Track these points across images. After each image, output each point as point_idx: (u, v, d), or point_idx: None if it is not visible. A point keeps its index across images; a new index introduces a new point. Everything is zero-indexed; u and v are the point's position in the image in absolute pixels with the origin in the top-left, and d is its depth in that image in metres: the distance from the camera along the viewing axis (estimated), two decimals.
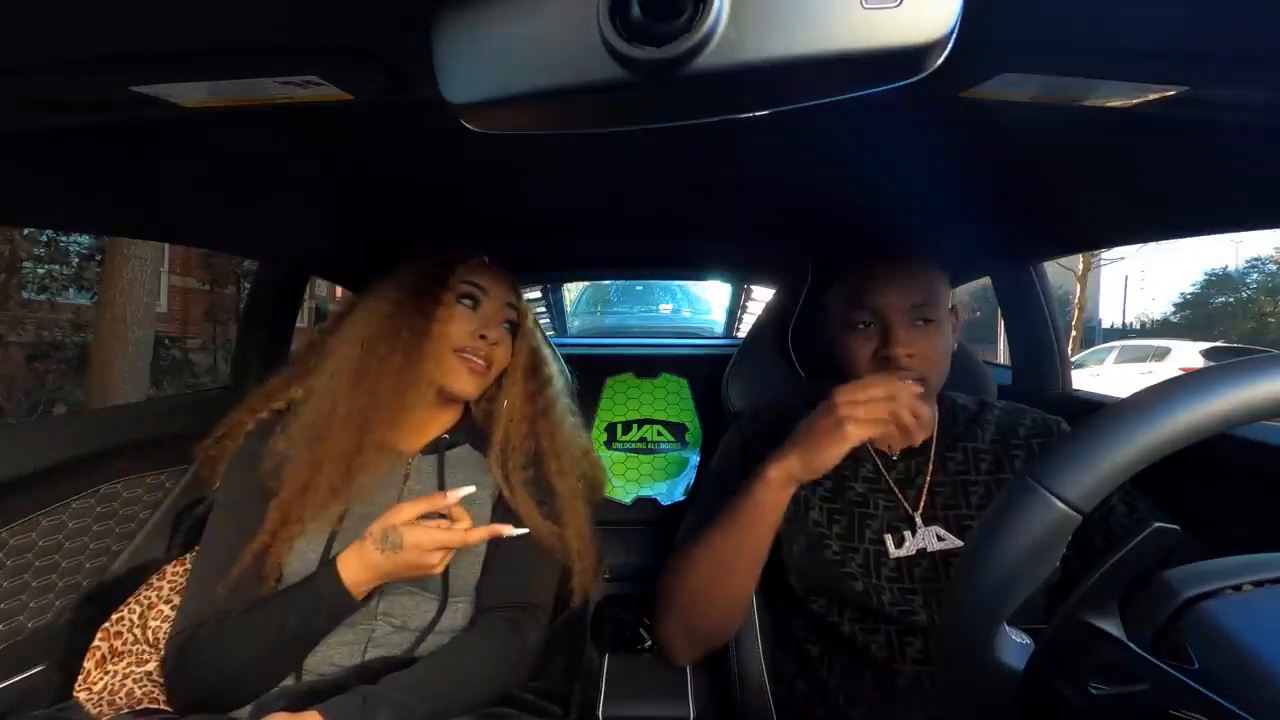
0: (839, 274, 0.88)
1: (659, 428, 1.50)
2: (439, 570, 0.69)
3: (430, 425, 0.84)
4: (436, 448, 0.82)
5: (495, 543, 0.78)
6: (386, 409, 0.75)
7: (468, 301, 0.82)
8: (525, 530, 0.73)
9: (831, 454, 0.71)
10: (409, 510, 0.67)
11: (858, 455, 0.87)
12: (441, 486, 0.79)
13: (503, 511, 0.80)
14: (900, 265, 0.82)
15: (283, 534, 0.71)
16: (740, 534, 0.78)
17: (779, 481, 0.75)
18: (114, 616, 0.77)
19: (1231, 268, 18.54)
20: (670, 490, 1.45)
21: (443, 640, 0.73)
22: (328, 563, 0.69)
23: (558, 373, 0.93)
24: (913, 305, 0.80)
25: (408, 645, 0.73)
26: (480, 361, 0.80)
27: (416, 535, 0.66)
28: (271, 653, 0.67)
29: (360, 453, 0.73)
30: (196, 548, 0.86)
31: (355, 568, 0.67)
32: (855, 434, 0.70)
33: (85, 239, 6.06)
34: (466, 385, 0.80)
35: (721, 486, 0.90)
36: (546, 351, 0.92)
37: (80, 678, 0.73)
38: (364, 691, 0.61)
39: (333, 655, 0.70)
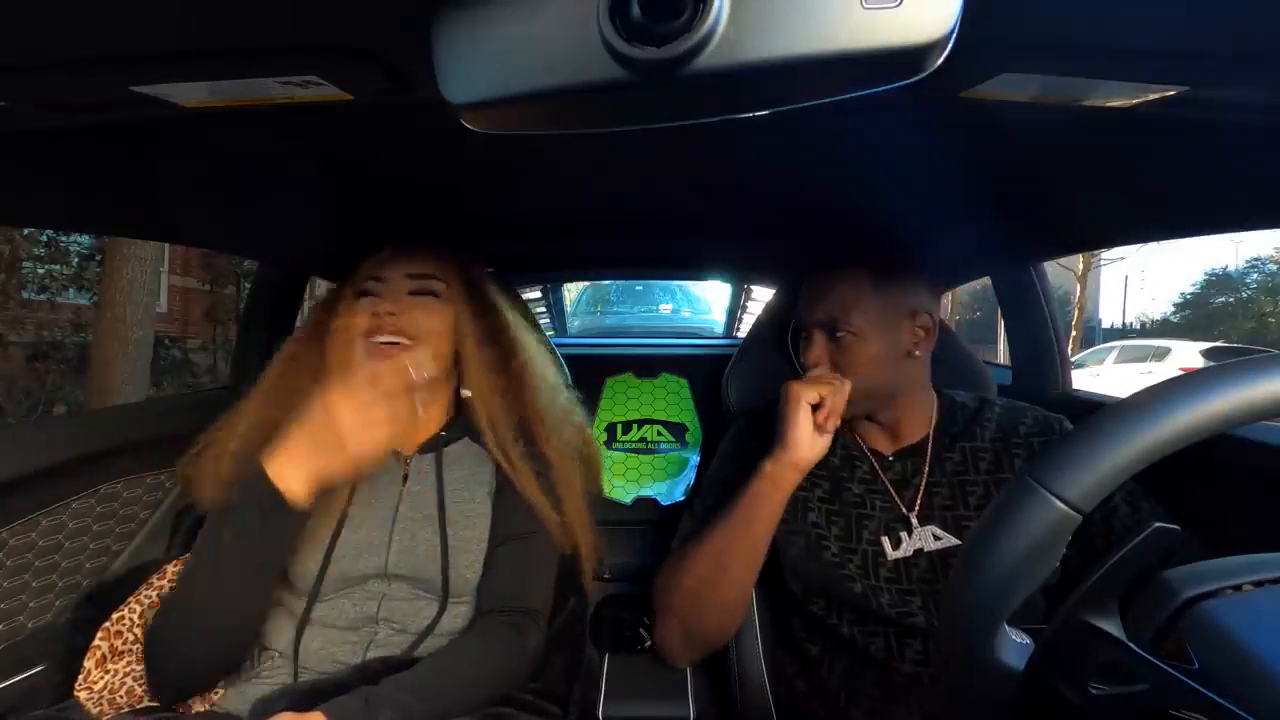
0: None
1: (659, 428, 1.50)
2: (366, 446, 0.63)
3: (424, 424, 0.83)
4: (434, 445, 0.82)
5: (496, 543, 0.78)
6: None
7: (366, 296, 0.79)
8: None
9: (795, 422, 0.76)
10: None
11: (854, 456, 0.87)
12: (440, 484, 0.79)
13: (507, 490, 0.80)
14: (820, 280, 0.87)
15: None
16: (735, 531, 0.78)
17: (770, 474, 0.77)
18: (114, 616, 0.77)
19: (1231, 268, 18.58)
20: (670, 490, 1.44)
21: (441, 642, 0.73)
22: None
23: (531, 341, 0.89)
24: (820, 320, 0.85)
25: (407, 646, 0.73)
26: (384, 344, 0.75)
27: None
28: (217, 579, 0.63)
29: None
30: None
31: (278, 460, 0.63)
32: (802, 392, 0.77)
33: (85, 239, 6.05)
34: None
35: (719, 488, 0.90)
36: (509, 318, 0.88)
37: (80, 677, 0.73)
38: (366, 692, 0.61)
39: (335, 653, 0.70)
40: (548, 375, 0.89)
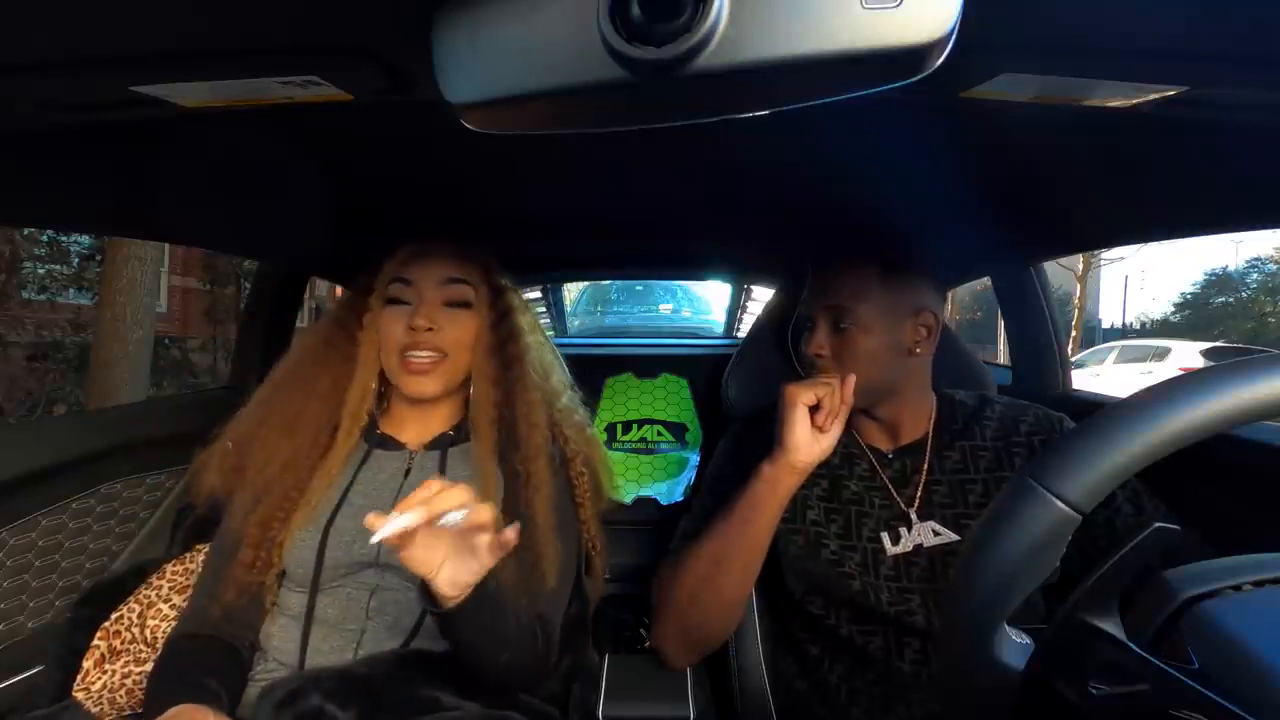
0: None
1: (659, 428, 1.50)
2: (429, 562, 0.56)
3: (433, 420, 0.83)
4: (440, 443, 0.82)
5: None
6: (314, 447, 0.76)
7: (396, 302, 0.78)
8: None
9: (793, 424, 0.76)
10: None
11: (853, 454, 0.87)
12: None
13: (510, 500, 0.78)
14: (832, 268, 0.85)
15: (264, 541, 0.71)
16: (734, 532, 0.78)
17: (768, 476, 0.77)
18: (113, 616, 0.77)
19: (1231, 268, 18.52)
20: (670, 490, 1.44)
21: (431, 643, 0.70)
22: None
23: (534, 344, 0.85)
24: (827, 307, 0.83)
25: (397, 646, 0.71)
26: (420, 360, 0.76)
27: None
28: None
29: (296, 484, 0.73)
30: (197, 547, 0.86)
31: None
32: (799, 394, 0.77)
33: (85, 239, 6.05)
34: (417, 387, 0.77)
35: (719, 488, 0.90)
36: (522, 324, 0.85)
37: (79, 677, 0.73)
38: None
39: (320, 647, 0.70)
40: (550, 382, 0.86)
